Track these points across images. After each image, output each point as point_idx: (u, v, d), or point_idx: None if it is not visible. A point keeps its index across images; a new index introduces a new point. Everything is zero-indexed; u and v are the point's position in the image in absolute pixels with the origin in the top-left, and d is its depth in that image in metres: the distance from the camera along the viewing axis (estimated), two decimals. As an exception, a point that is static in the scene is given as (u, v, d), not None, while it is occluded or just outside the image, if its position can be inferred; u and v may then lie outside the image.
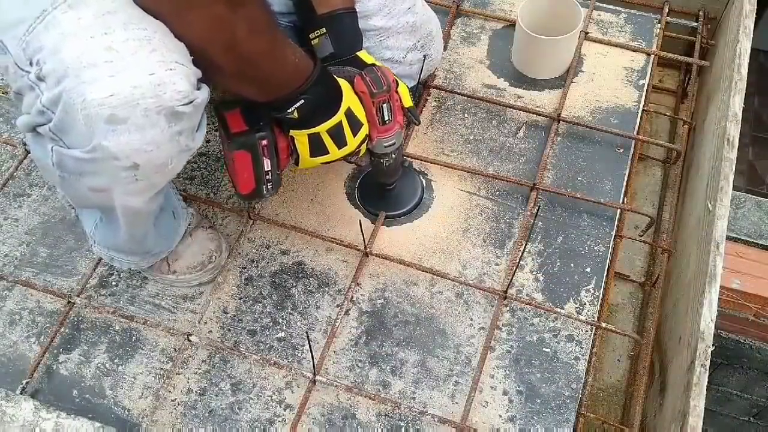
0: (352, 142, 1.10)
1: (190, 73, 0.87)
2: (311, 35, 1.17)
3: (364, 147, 1.15)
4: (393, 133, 1.15)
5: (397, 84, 1.16)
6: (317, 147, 1.09)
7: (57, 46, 0.81)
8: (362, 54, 1.18)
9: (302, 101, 1.01)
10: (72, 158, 0.88)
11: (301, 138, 1.07)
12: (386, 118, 1.12)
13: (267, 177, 1.09)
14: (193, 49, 0.87)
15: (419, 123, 1.26)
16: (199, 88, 0.90)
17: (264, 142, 1.05)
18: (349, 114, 1.08)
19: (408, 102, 1.18)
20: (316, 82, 1.01)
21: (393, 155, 1.19)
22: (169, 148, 0.89)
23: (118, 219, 1.05)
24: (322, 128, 1.06)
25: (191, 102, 0.87)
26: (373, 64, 1.15)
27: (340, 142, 1.09)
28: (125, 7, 0.84)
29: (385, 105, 1.11)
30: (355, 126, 1.09)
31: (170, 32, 0.86)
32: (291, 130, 1.07)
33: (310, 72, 1.00)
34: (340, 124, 1.07)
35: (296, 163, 1.13)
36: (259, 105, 1.03)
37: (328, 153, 1.10)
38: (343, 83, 1.09)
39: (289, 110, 1.01)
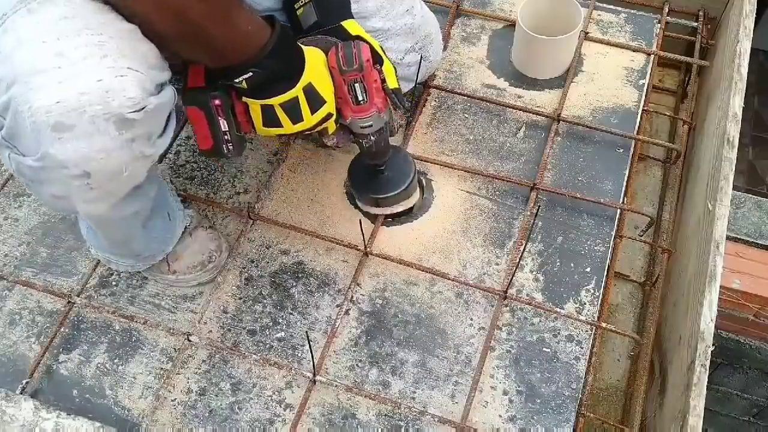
0: (309, 119, 1.04)
1: (145, 79, 0.85)
2: (296, 5, 1.12)
3: (330, 125, 1.09)
4: (368, 114, 1.09)
5: (381, 62, 1.10)
6: (270, 119, 1.03)
7: (11, 52, 0.80)
8: (348, 24, 1.11)
9: (251, 73, 0.96)
10: (26, 166, 0.87)
11: (254, 106, 1.03)
12: (360, 98, 1.06)
13: (225, 137, 1.05)
14: (137, 13, 0.85)
15: (405, 108, 1.17)
16: (158, 93, 0.88)
17: (217, 102, 1.01)
18: (309, 90, 1.02)
19: (393, 83, 1.12)
20: (271, 54, 0.95)
21: (372, 137, 1.14)
22: (121, 155, 0.87)
23: (94, 227, 1.05)
24: (275, 101, 1.01)
25: (143, 109, 0.85)
26: (358, 37, 1.09)
27: (295, 117, 1.03)
28: (85, 13, 0.82)
29: (357, 84, 1.05)
30: (316, 102, 1.03)
31: (131, 38, 0.84)
32: (244, 98, 1.02)
33: (264, 43, 0.95)
34: (295, 100, 1.01)
35: (253, 128, 1.08)
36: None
37: (281, 126, 1.04)
38: (317, 56, 1.03)
39: (237, 80, 0.96)
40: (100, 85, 0.81)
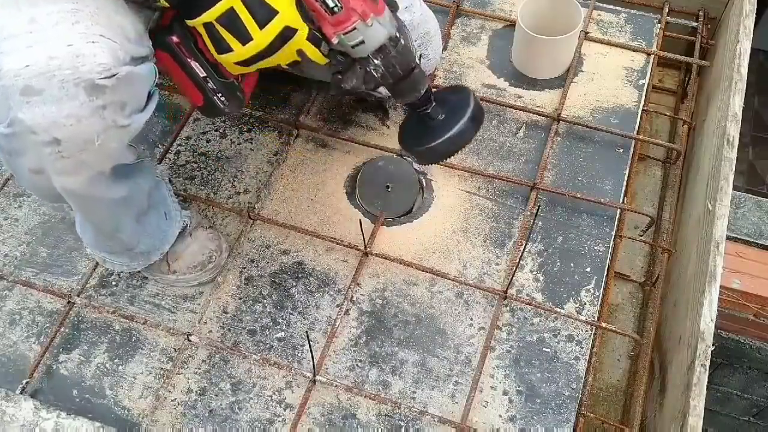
0: (260, 36, 0.91)
1: (117, 48, 0.85)
2: None
3: (312, 51, 0.95)
4: (351, 24, 0.92)
5: None
6: (218, 42, 0.94)
7: None
8: None
9: None
10: (1, 135, 0.87)
11: (201, 31, 0.94)
12: (330, 4, 0.91)
13: (210, 86, 1.00)
14: None
15: (397, 7, 1.00)
16: (135, 65, 0.87)
17: (175, 38, 0.97)
18: None
19: None
20: None
21: (376, 60, 0.96)
22: (91, 122, 0.86)
23: (78, 212, 1.03)
24: (210, 16, 0.91)
25: (114, 75, 0.84)
26: None
27: (240, 34, 0.91)
28: None
29: None
30: (261, 13, 0.89)
31: (108, 9, 0.84)
32: (186, 20, 0.95)
33: None
34: (232, 12, 0.89)
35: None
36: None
37: (232, 51, 0.94)
38: None
39: None
40: (70, 50, 0.81)
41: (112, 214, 1.08)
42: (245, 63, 0.97)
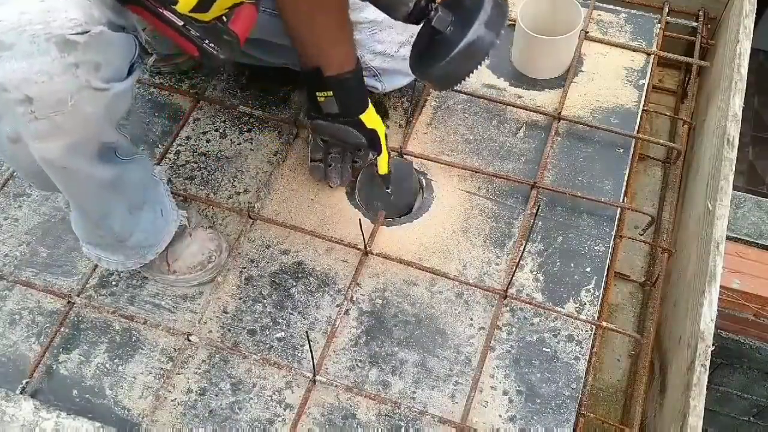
0: None
1: (90, 6, 0.84)
2: (318, 93, 1.16)
3: None
4: None
5: (379, 152, 1.11)
6: None
7: None
8: (365, 117, 1.18)
9: None
10: None
11: None
12: None
13: (193, 33, 0.96)
14: None
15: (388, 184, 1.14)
16: (112, 29, 0.86)
17: None
18: None
19: (383, 169, 1.12)
20: None
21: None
22: (63, 80, 0.84)
23: (63, 192, 1.01)
24: None
25: (87, 32, 0.83)
26: (373, 131, 1.17)
27: None
28: None
29: None
30: None
31: None
32: None
33: None
34: None
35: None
36: None
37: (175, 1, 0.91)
38: None
39: None
40: (42, 5, 0.80)
41: (98, 197, 1.05)
42: (199, 8, 0.93)
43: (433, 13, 0.95)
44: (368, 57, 1.27)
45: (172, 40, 0.98)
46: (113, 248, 1.18)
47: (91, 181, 1.01)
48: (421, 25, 0.98)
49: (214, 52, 0.97)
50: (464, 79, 1.00)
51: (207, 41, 0.96)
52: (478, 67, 0.97)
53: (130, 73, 0.94)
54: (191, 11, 0.93)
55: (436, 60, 0.97)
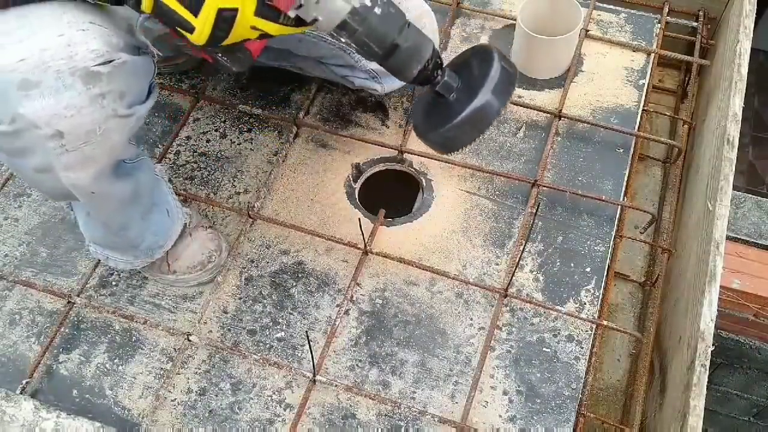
0: (199, 23, 0.82)
1: (109, 34, 0.85)
2: None
3: (263, 24, 0.86)
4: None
5: None
6: (174, 30, 0.86)
7: None
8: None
9: None
10: (2, 135, 0.86)
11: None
12: None
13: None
14: None
15: None
16: (133, 54, 0.87)
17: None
18: None
19: None
20: None
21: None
22: (91, 112, 0.86)
23: (89, 208, 1.03)
24: (146, 8, 0.84)
25: (110, 62, 0.85)
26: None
27: (181, 25, 0.83)
28: None
29: None
30: (188, 1, 0.81)
31: (95, 6, 0.84)
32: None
33: None
34: (161, 4, 0.82)
35: None
36: None
37: (187, 36, 0.85)
38: None
39: None
40: (61, 39, 0.81)
41: (120, 211, 1.08)
42: (209, 46, 0.88)
43: (439, 78, 0.92)
44: (366, 61, 1.27)
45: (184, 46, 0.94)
46: (123, 250, 1.20)
47: (115, 198, 1.04)
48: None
49: (228, 65, 0.96)
50: (466, 146, 0.97)
51: (219, 55, 0.95)
52: (482, 134, 0.94)
53: (149, 93, 0.96)
54: (204, 45, 0.90)
55: (439, 125, 0.94)
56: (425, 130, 0.98)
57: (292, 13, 0.84)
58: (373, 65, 1.29)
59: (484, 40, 1.57)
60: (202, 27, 0.83)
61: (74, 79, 0.83)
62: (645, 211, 1.36)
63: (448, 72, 0.93)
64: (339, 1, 0.83)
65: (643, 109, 1.46)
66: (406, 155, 1.39)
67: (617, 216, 1.34)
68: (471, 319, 1.22)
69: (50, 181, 0.94)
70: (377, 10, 0.85)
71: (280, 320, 1.23)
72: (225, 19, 0.83)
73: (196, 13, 0.82)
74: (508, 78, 0.92)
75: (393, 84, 1.35)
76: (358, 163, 1.39)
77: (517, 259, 1.25)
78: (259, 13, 0.85)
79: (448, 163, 1.37)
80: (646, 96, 1.49)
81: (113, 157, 0.97)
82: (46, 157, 0.89)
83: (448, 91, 0.93)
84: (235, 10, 0.83)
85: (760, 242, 2.03)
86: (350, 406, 1.15)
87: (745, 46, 1.40)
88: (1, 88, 0.81)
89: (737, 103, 1.31)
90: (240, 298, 1.26)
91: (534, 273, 1.27)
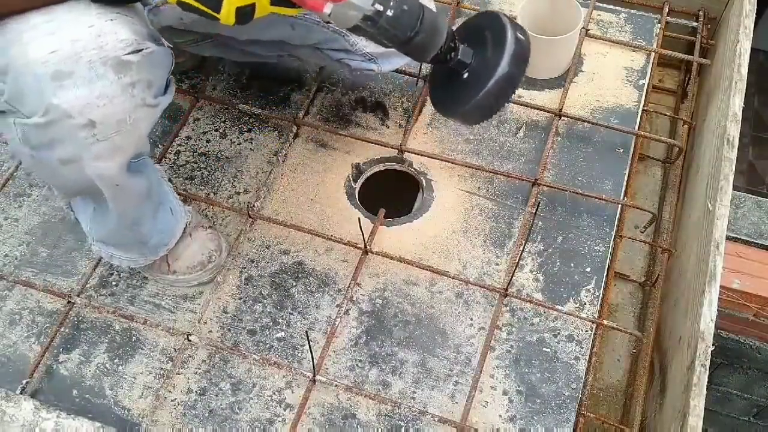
0: (222, 17, 0.86)
1: (136, 23, 0.87)
2: None
3: (281, 11, 0.90)
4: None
5: None
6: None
7: (6, 22, 0.83)
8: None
9: None
10: (33, 128, 0.88)
11: None
12: None
13: None
14: None
15: None
16: (157, 44, 0.89)
17: None
18: None
19: None
20: None
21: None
22: (123, 101, 0.88)
23: (106, 201, 1.03)
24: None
25: (139, 51, 0.86)
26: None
27: (205, 19, 0.86)
28: None
29: None
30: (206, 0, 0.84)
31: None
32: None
33: None
34: (183, 4, 0.85)
35: None
36: None
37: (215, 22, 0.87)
38: None
39: None
40: (91, 30, 0.83)
41: (137, 206, 1.09)
42: (240, 21, 0.90)
43: (453, 56, 0.93)
44: (362, 44, 1.26)
45: None
46: (130, 247, 1.19)
47: (134, 192, 1.05)
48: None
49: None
50: (491, 116, 0.98)
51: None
52: (508, 101, 0.96)
53: (167, 86, 0.97)
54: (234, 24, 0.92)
55: (463, 101, 0.94)
56: (449, 107, 0.98)
57: (327, 10, 0.85)
58: (370, 48, 1.28)
59: (484, 40, 1.57)
60: (226, 20, 0.87)
61: (106, 69, 0.84)
62: (645, 210, 1.36)
63: (463, 49, 0.94)
64: (351, 11, 0.85)
65: (643, 109, 1.46)
66: (406, 155, 1.39)
67: (617, 216, 1.33)
68: (471, 319, 1.22)
69: (74, 173, 0.94)
70: (390, 12, 0.86)
71: (280, 320, 1.23)
72: (244, 13, 0.87)
73: (217, 11, 0.86)
74: (521, 46, 0.92)
75: (390, 63, 1.33)
76: (358, 163, 1.39)
77: (517, 259, 1.25)
78: (275, 3, 0.90)
79: (448, 162, 1.37)
80: (646, 96, 1.49)
81: (138, 148, 0.98)
82: (77, 147, 0.90)
83: (463, 67, 0.94)
84: (252, 5, 0.87)
85: (760, 242, 2.03)
86: (350, 406, 1.15)
87: (745, 46, 1.40)
88: (34, 80, 0.83)
89: (737, 103, 1.31)
90: (240, 298, 1.26)
91: (534, 273, 1.27)
